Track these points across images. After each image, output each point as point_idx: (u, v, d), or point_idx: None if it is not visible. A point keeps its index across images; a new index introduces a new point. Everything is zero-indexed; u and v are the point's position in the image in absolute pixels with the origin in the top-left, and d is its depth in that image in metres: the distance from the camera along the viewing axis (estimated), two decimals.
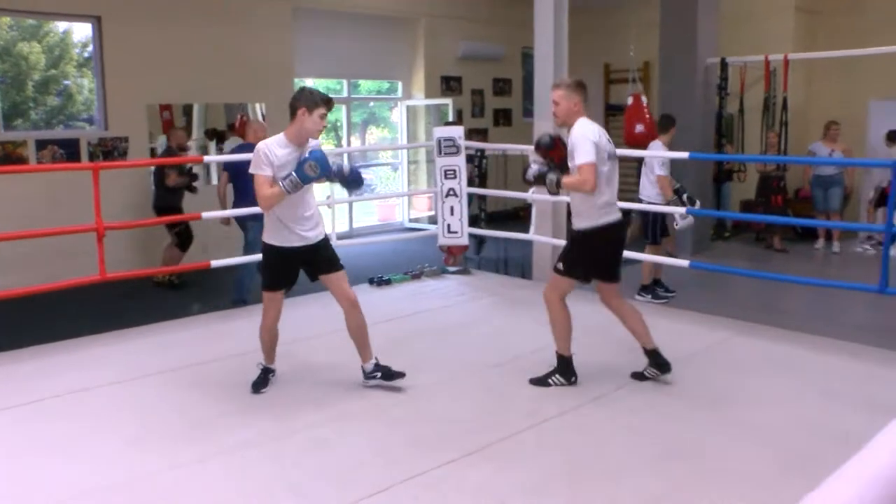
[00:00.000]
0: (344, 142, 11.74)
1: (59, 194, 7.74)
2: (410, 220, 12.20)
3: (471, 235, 7.68)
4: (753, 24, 10.97)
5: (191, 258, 7.86)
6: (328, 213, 7.26)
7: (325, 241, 4.41)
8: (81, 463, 3.60)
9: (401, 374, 4.46)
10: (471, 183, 8.07)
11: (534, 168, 4.43)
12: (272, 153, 4.14)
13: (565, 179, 4.24)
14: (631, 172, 8.97)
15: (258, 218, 5.06)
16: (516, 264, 8.19)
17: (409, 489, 3.33)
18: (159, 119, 8.97)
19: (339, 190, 10.14)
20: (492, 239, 8.27)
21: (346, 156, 10.99)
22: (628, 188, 7.21)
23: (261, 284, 4.50)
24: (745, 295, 7.22)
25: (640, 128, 8.54)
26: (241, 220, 6.82)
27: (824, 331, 5.61)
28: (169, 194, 7.93)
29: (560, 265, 4.43)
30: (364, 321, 4.42)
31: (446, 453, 3.67)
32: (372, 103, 12.76)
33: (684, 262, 6.44)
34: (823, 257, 9.68)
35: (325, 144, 12.14)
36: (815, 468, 3.19)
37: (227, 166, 7.15)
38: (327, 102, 4.23)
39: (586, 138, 4.16)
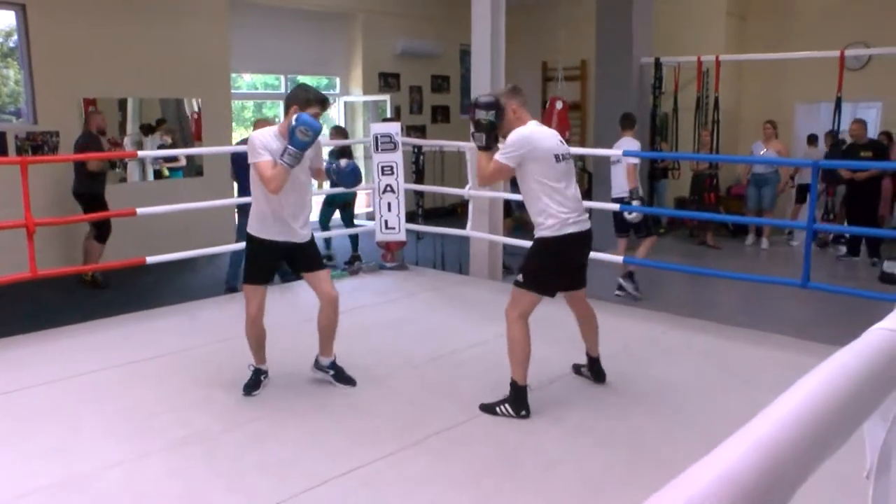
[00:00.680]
0: None
1: None
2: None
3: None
4: (687, 27, 11.28)
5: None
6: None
7: (312, 240, 4.42)
8: (14, 465, 3.56)
9: (352, 382, 4.48)
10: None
11: (488, 115, 4.10)
12: (267, 142, 4.11)
13: (484, 154, 4.11)
14: None
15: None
16: (453, 260, 8.27)
17: (347, 482, 3.38)
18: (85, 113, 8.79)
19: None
20: (429, 235, 8.34)
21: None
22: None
23: (242, 277, 4.47)
24: (678, 290, 7.43)
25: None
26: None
27: (752, 324, 5.84)
28: (90, 180, 7.75)
29: (520, 277, 4.10)
30: (336, 320, 4.44)
31: (385, 446, 3.72)
32: None
33: (618, 258, 6.60)
34: (753, 253, 10.00)
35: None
36: None
37: (231, 163, 7.58)
38: (322, 102, 4.19)
39: (517, 134, 4.00)
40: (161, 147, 9.36)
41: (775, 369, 4.81)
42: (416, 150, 8.91)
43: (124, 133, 9.13)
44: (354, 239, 8.71)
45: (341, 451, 3.67)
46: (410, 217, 7.94)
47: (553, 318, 4.49)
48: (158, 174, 9.64)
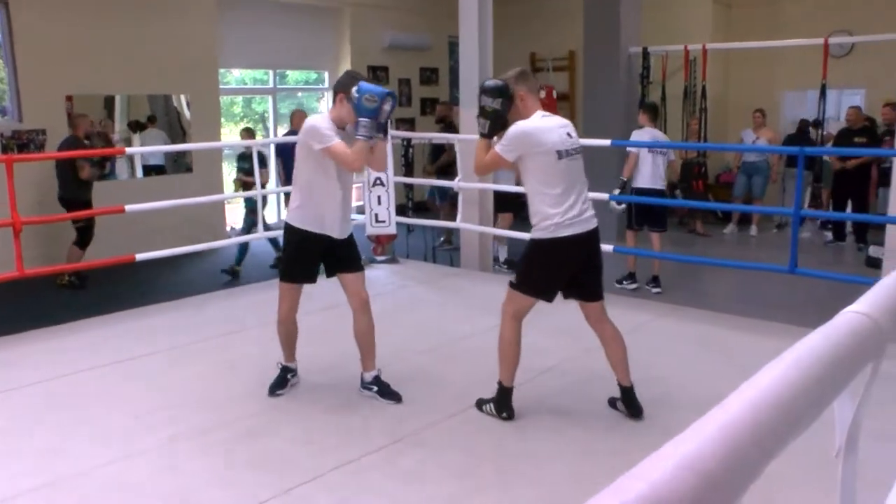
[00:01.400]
0: (271, 132, 11.65)
1: None
2: None
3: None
4: (674, 15, 11.29)
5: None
6: (258, 206, 7.22)
7: (351, 238, 4.25)
8: (5, 466, 3.55)
9: (398, 397, 4.21)
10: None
11: (497, 104, 3.82)
12: (329, 125, 3.96)
13: (484, 140, 3.85)
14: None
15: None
16: (444, 253, 8.29)
17: (339, 476, 3.40)
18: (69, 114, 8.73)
19: (268, 182, 10.08)
20: (419, 227, 8.34)
21: (273, 146, 10.97)
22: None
23: (280, 273, 4.36)
24: (667, 277, 7.44)
25: None
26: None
27: (741, 310, 5.88)
28: (80, 187, 7.70)
29: (514, 277, 3.93)
30: (372, 326, 4.24)
31: (376, 440, 3.74)
32: (300, 93, 12.68)
33: (608, 247, 6.61)
34: (742, 241, 10.04)
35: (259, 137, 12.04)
36: None
37: (279, 154, 7.92)
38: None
39: (516, 129, 3.73)
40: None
41: (765, 355, 4.83)
42: (405, 142, 8.91)
43: (113, 130, 9.10)
44: (276, 242, 8.18)
45: (334, 446, 3.69)
46: (401, 210, 7.95)
47: (554, 306, 4.49)
48: (148, 171, 9.61)
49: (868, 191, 9.32)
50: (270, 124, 11.68)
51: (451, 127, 9.10)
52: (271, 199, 9.89)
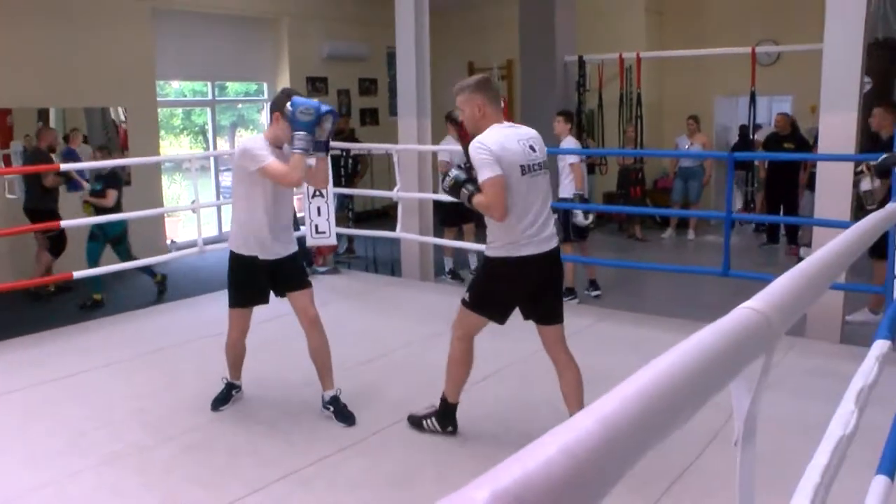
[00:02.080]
0: (210, 145, 11.53)
1: None
2: None
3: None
4: (608, 24, 11.50)
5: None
6: (193, 219, 7.15)
7: (295, 255, 4.17)
8: None
9: (351, 419, 4.08)
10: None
11: (452, 174, 3.62)
12: (263, 145, 3.89)
13: (476, 198, 3.49)
14: None
15: None
16: (385, 262, 8.30)
17: (283, 487, 3.40)
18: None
19: (204, 194, 9.98)
20: (360, 238, 8.34)
21: (213, 159, 10.85)
22: None
23: (228, 299, 4.21)
24: (607, 283, 7.58)
25: None
26: None
27: (677, 312, 6.01)
28: (45, 196, 7.61)
29: (466, 296, 3.75)
30: (324, 344, 4.15)
31: (319, 450, 3.74)
32: (240, 105, 12.59)
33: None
34: (679, 244, 10.26)
35: (193, 148, 11.92)
36: (674, 439, 3.46)
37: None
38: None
39: (481, 148, 3.40)
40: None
41: None
42: (344, 153, 8.91)
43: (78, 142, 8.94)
44: (147, 269, 7.88)
45: (276, 458, 3.68)
46: (341, 221, 7.95)
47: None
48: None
49: (797, 194, 9.60)
50: (210, 136, 11.56)
51: (351, 138, 9.49)
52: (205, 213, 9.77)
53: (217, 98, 11.59)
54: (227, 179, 12.21)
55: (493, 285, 3.66)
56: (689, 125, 10.28)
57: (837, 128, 5.32)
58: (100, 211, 7.24)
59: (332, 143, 7.61)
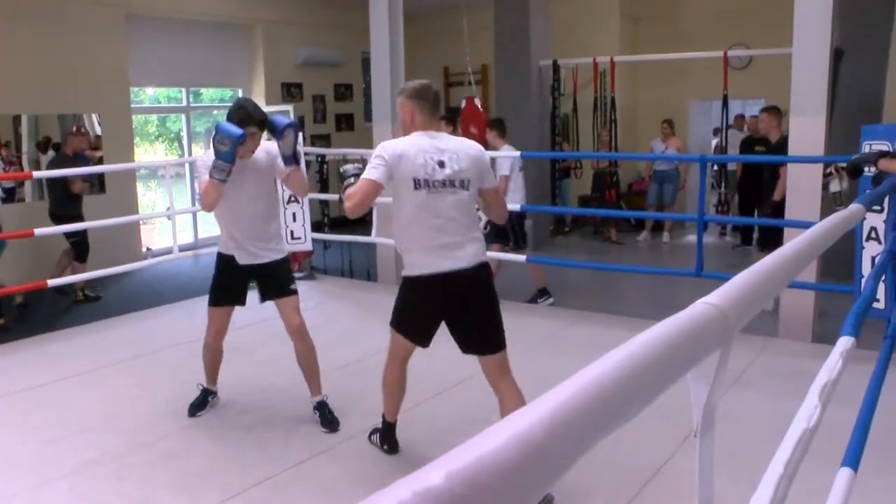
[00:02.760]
0: (185, 152, 11.48)
1: None
2: None
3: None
4: (583, 29, 11.58)
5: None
6: (168, 225, 7.13)
7: (280, 262, 4.16)
8: None
9: (335, 425, 4.08)
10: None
11: (346, 167, 3.58)
12: (209, 160, 3.90)
13: (347, 190, 3.36)
14: None
15: None
16: (361, 267, 8.31)
17: (260, 492, 3.40)
18: None
19: (179, 201, 9.94)
20: (336, 243, 8.35)
21: (188, 165, 10.81)
22: None
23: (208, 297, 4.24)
24: (582, 286, 7.64)
25: (473, 129, 8.83)
26: None
27: (650, 314, 6.04)
28: (70, 202, 7.60)
29: (391, 316, 3.59)
30: (310, 350, 4.16)
31: (296, 455, 3.75)
32: (215, 111, 12.54)
33: (521, 258, 6.75)
34: (654, 247, 10.34)
35: (169, 155, 11.87)
36: (649, 440, 3.51)
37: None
38: (260, 123, 3.90)
39: (379, 150, 3.32)
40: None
41: None
42: (319, 159, 8.92)
43: (19, 150, 8.85)
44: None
45: (253, 463, 3.68)
46: (317, 226, 7.95)
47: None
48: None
49: (770, 196, 9.70)
50: (185, 143, 11.51)
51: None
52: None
53: (192, 104, 11.55)
54: None
55: (403, 305, 3.50)
56: (663, 129, 10.38)
57: (806, 130, 5.41)
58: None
59: (309, 149, 7.63)
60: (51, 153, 8.89)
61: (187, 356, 4.86)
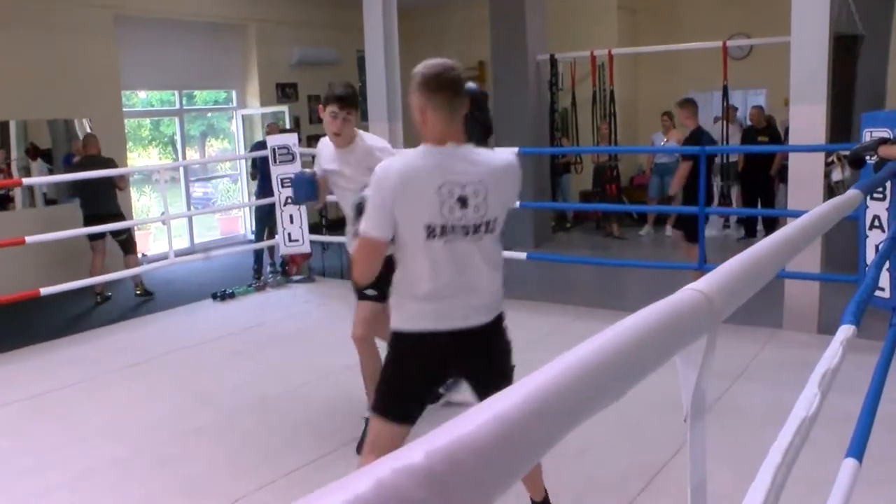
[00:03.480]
0: (179, 155, 11.50)
1: None
2: (253, 232, 12.10)
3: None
4: (580, 22, 11.61)
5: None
6: (164, 231, 7.17)
7: None
8: None
9: None
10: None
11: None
12: (320, 148, 3.94)
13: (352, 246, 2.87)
14: None
15: None
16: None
17: (261, 498, 3.42)
18: None
19: (174, 205, 9.95)
20: (334, 245, 8.37)
21: (182, 169, 10.84)
22: None
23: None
24: (584, 282, 7.66)
25: None
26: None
27: None
28: (113, 200, 7.86)
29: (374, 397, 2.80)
30: (366, 363, 3.84)
31: (297, 459, 3.77)
32: (210, 114, 12.57)
33: (522, 255, 6.77)
34: (657, 241, 10.36)
35: (163, 159, 11.88)
36: (652, 437, 3.53)
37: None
38: (339, 99, 3.60)
39: (376, 180, 2.45)
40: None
41: None
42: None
43: (8, 156, 8.87)
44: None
45: (254, 467, 3.71)
46: (314, 228, 7.97)
47: None
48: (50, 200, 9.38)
49: (773, 187, 9.74)
50: (179, 146, 11.53)
51: None
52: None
53: (185, 107, 11.57)
54: (197, 190, 12.21)
55: (393, 369, 2.68)
56: (664, 121, 10.38)
57: (807, 119, 5.43)
58: None
59: (305, 150, 7.65)
60: (41, 161, 8.93)
61: (188, 361, 4.89)
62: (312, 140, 12.14)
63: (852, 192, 2.36)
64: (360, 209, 2.60)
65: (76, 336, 6.22)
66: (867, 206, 4.85)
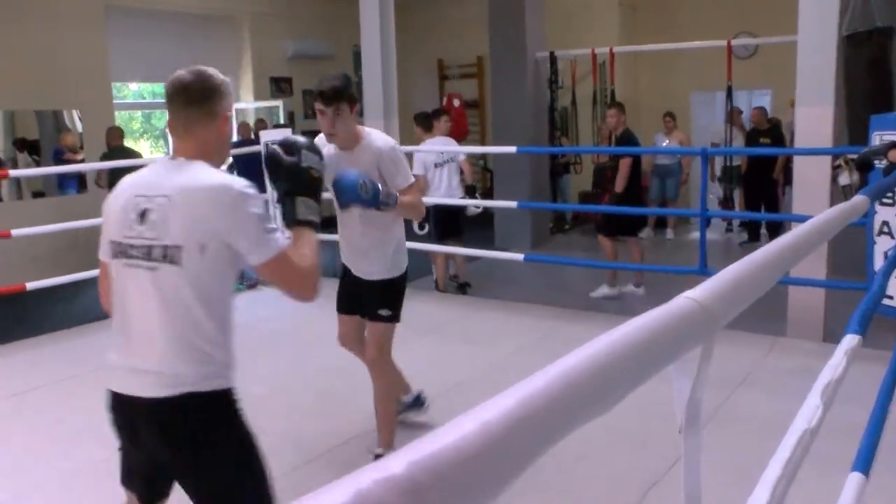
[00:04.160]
0: (171, 149, 11.47)
1: None
2: None
3: None
4: (581, 19, 11.61)
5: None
6: None
7: (379, 284, 3.63)
8: None
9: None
10: None
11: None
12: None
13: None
14: None
15: None
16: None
17: None
18: None
19: None
20: (330, 243, 8.35)
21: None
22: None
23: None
24: (582, 284, 7.65)
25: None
26: None
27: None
28: None
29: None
30: (383, 395, 3.73)
31: (278, 466, 3.75)
32: None
33: (519, 256, 6.78)
34: (658, 244, 10.36)
35: (154, 152, 11.87)
36: (652, 445, 3.53)
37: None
38: (321, 94, 3.29)
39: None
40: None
41: None
42: None
43: None
44: None
45: None
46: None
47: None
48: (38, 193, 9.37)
49: (776, 190, 9.75)
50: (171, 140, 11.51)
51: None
52: None
53: None
54: None
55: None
56: (666, 122, 10.39)
57: (813, 121, 5.42)
58: None
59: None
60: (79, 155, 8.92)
61: None
62: (307, 136, 12.13)
63: (859, 198, 2.36)
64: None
65: (60, 333, 6.20)
66: (875, 212, 4.84)
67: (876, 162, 4.23)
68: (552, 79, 10.27)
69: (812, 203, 5.42)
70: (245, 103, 12.15)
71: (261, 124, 9.42)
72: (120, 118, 10.68)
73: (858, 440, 2.11)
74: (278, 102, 12.17)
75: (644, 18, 12.24)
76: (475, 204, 7.28)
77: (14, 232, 6.06)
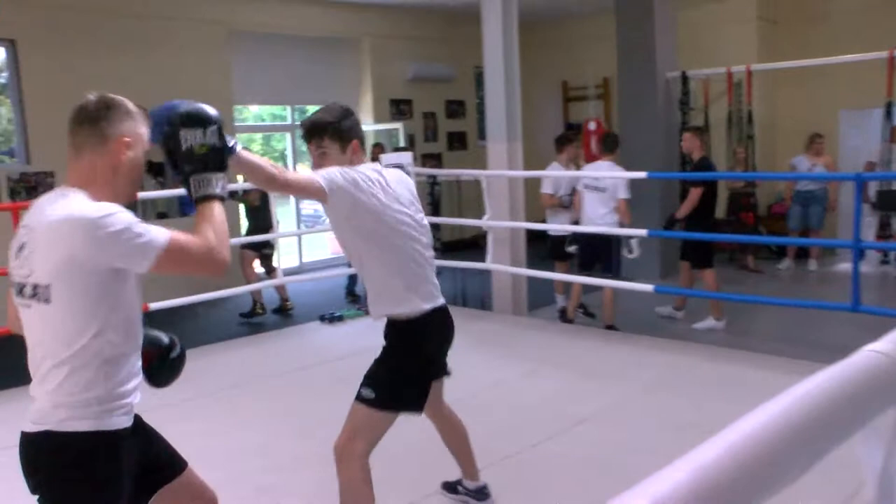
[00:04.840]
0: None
1: None
2: None
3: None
4: (715, 36, 11.31)
5: None
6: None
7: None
8: None
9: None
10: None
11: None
12: None
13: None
14: None
15: None
16: (475, 295, 8.30)
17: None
18: None
19: (284, 223, 10.19)
20: (448, 269, 8.37)
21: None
22: None
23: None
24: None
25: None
26: None
27: (793, 353, 5.73)
28: (258, 215, 8.37)
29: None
30: (457, 437, 3.76)
31: (398, 497, 3.73)
32: None
33: (649, 287, 6.59)
34: (799, 277, 9.92)
35: None
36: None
37: None
38: (304, 131, 3.21)
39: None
40: None
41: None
42: (431, 179, 8.99)
43: None
44: None
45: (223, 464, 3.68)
46: None
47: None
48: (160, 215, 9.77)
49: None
50: (290, 162, 11.83)
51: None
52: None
53: (297, 122, 11.87)
54: (308, 208, 12.47)
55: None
56: (816, 144, 9.91)
57: None
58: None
59: (419, 170, 7.68)
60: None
61: (289, 387, 4.92)
62: (428, 159, 12.26)
63: None
64: None
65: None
66: None
67: None
68: (683, 100, 10.02)
69: None
70: (364, 125, 12.31)
71: (377, 148, 9.52)
72: (240, 141, 10.99)
73: None
74: (398, 125, 12.33)
75: (785, 33, 11.79)
76: (635, 243, 6.91)
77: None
